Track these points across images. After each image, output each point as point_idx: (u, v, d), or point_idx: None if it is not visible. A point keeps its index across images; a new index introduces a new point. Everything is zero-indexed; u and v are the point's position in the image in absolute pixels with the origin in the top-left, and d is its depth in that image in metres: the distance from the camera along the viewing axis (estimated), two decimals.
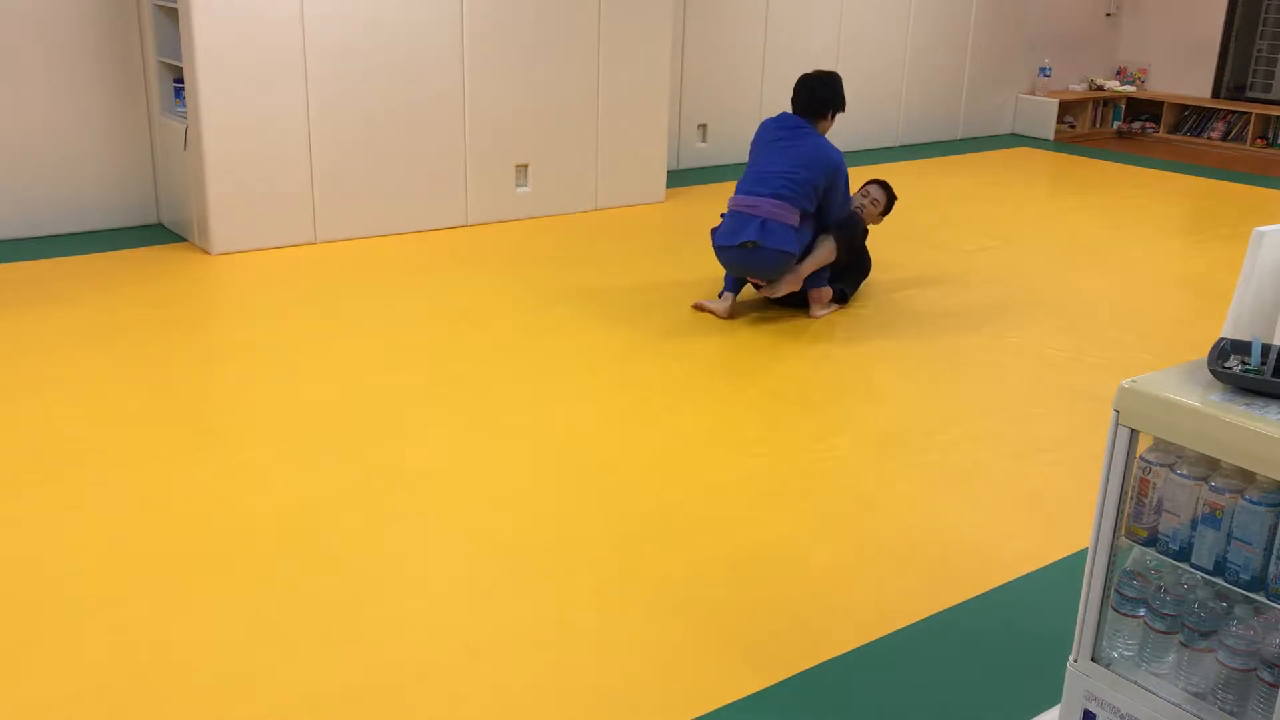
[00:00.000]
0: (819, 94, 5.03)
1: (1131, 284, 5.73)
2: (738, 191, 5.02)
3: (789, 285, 5.01)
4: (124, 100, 5.98)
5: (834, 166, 4.93)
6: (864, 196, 5.38)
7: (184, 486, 3.34)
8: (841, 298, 5.21)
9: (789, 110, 5.13)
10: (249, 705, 2.40)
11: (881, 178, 5.56)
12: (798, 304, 5.17)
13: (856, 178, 7.92)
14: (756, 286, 5.19)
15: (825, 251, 5.05)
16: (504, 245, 6.13)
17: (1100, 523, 1.99)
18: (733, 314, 5.08)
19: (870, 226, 5.51)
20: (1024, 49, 10.25)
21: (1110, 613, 2.04)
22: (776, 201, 4.87)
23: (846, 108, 5.21)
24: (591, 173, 6.96)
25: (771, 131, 5.07)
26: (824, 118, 5.05)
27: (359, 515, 3.20)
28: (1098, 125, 10.78)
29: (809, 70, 5.20)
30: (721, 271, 5.47)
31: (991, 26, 9.90)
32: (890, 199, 5.42)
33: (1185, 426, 1.85)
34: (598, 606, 2.81)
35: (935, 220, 6.95)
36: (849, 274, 5.28)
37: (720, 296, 5.10)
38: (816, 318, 5.07)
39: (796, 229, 4.91)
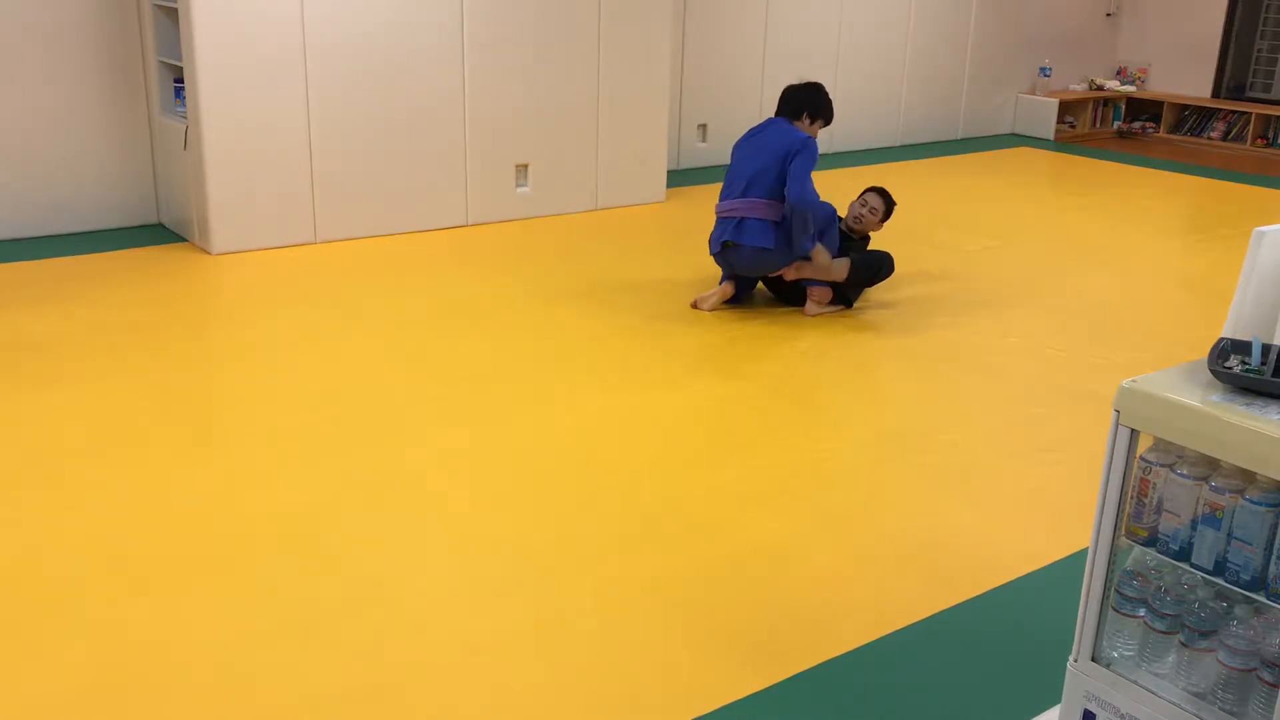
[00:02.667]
0: (794, 96, 5.16)
1: (1131, 284, 5.73)
2: (720, 198, 5.12)
3: (793, 273, 5.09)
4: (124, 100, 5.98)
5: (799, 139, 4.95)
6: (862, 206, 5.38)
7: (184, 486, 3.34)
8: (845, 302, 5.21)
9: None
10: (249, 705, 2.40)
11: (879, 185, 5.55)
12: (799, 302, 5.17)
13: (855, 178, 7.92)
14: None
15: (838, 267, 5.07)
16: (504, 245, 6.13)
17: (1100, 523, 1.99)
18: (736, 297, 5.18)
19: (871, 234, 5.50)
20: (1024, 49, 10.24)
21: (1110, 613, 2.04)
22: (750, 200, 4.95)
23: (834, 118, 5.29)
24: (591, 173, 6.96)
25: (746, 134, 5.21)
26: (799, 118, 5.13)
27: (359, 515, 3.20)
28: (1098, 125, 10.78)
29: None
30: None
31: (991, 26, 9.90)
32: (889, 206, 5.41)
33: (1185, 426, 1.85)
34: (598, 606, 2.81)
35: (935, 220, 6.95)
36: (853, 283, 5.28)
37: (720, 284, 5.18)
38: (810, 315, 5.08)
39: (776, 224, 4.95)
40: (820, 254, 5.03)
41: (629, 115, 6.99)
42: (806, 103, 5.13)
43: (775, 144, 4.98)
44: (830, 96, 5.22)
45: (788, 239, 4.96)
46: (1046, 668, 2.61)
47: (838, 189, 6.43)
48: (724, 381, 4.28)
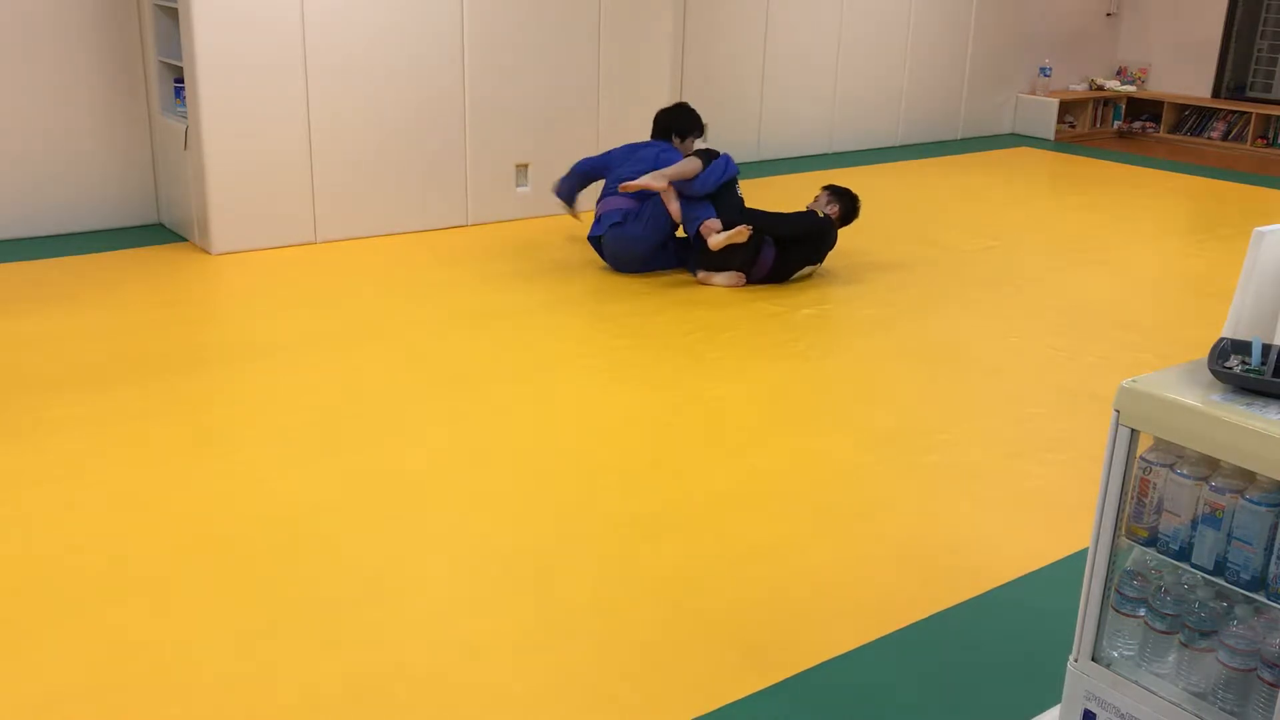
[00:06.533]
0: (661, 121, 5.78)
1: (1131, 284, 5.73)
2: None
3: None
4: (124, 100, 5.98)
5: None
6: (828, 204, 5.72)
7: (184, 486, 3.34)
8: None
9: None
10: (249, 705, 2.40)
11: (840, 188, 5.80)
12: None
13: (855, 179, 7.93)
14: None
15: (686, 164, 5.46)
16: (504, 245, 6.13)
17: (1100, 523, 1.99)
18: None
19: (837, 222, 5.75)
20: (1024, 49, 10.24)
21: (1110, 613, 2.04)
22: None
23: (705, 130, 5.95)
24: None
25: (624, 150, 5.78)
26: (671, 138, 5.72)
27: (359, 515, 3.20)
28: (1098, 125, 10.78)
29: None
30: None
31: (991, 26, 9.90)
32: (848, 206, 5.69)
33: (1185, 426, 1.85)
34: (598, 606, 2.81)
35: (935, 220, 6.95)
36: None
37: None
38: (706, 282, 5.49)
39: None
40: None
41: (629, 115, 6.99)
42: (671, 125, 5.73)
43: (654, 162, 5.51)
44: (694, 111, 5.80)
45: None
46: (1046, 668, 2.61)
47: None
48: (724, 381, 4.28)
